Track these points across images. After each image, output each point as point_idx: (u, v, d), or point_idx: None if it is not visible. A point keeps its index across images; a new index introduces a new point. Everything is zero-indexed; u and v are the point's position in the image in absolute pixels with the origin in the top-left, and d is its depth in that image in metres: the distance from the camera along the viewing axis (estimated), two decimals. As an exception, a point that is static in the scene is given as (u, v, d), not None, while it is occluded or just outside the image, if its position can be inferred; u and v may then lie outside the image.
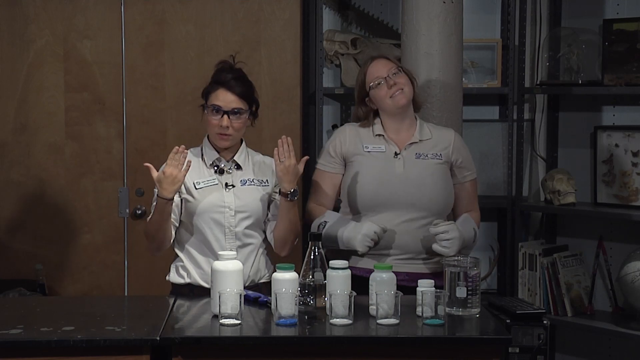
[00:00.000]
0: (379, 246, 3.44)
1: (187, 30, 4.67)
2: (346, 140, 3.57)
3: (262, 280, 3.51)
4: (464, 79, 4.28)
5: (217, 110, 3.40)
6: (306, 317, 3.00)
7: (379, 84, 3.50)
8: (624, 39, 4.38)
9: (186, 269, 3.48)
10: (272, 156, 3.45)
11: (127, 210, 4.68)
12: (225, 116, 3.40)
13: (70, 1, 4.64)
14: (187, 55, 4.64)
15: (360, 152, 3.54)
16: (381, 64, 3.53)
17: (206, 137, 3.52)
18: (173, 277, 3.52)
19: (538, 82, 4.75)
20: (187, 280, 3.48)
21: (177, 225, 3.47)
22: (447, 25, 3.92)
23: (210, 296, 3.14)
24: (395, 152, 3.52)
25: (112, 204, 4.70)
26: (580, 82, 4.56)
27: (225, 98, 3.41)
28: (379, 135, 3.55)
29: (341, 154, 3.57)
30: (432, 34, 3.92)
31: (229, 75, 3.43)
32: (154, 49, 4.67)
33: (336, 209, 3.64)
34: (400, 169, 3.49)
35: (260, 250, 3.52)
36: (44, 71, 4.66)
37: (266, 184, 3.52)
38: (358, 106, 3.60)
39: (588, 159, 4.67)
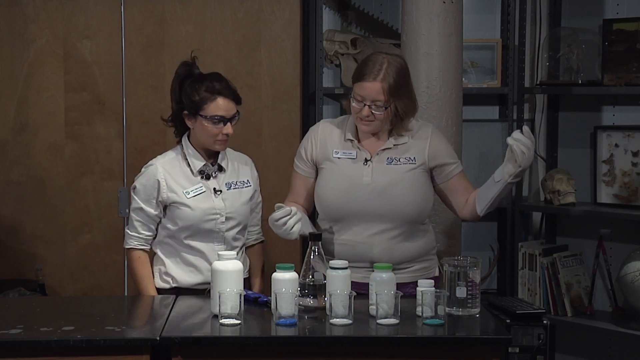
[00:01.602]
0: (351, 259, 3.26)
1: (187, 30, 4.66)
2: (317, 143, 3.44)
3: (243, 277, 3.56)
4: (464, 79, 4.28)
5: (220, 119, 3.41)
6: (306, 317, 3.00)
7: (359, 100, 3.30)
8: (624, 39, 4.38)
9: (170, 275, 3.50)
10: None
11: (127, 210, 4.66)
12: (229, 123, 3.43)
13: (70, 1, 4.64)
14: (187, 55, 4.54)
15: (329, 157, 3.41)
16: (373, 90, 3.26)
17: (188, 143, 3.50)
18: (157, 282, 3.53)
19: (538, 82, 4.75)
20: (173, 284, 3.50)
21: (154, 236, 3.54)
22: (447, 25, 3.92)
23: (205, 295, 3.17)
24: (366, 159, 3.38)
25: (112, 203, 4.70)
26: (580, 82, 4.56)
27: (226, 106, 3.43)
28: (350, 140, 3.41)
29: (312, 158, 3.45)
30: (432, 34, 3.92)
31: (218, 83, 3.44)
32: (154, 49, 4.67)
33: (313, 210, 3.57)
34: (368, 178, 3.35)
35: (243, 249, 3.60)
36: (44, 71, 4.66)
37: (248, 184, 3.58)
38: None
39: (588, 159, 4.67)
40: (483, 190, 3.34)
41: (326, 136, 3.45)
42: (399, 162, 3.37)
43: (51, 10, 4.64)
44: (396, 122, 3.35)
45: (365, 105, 3.29)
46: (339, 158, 3.40)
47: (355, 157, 3.39)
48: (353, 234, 3.36)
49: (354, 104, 3.32)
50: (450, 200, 3.46)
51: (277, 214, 3.24)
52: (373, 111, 3.29)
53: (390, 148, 3.38)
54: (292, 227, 3.24)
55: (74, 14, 4.65)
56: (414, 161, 3.38)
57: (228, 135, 3.44)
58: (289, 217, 3.24)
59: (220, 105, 3.42)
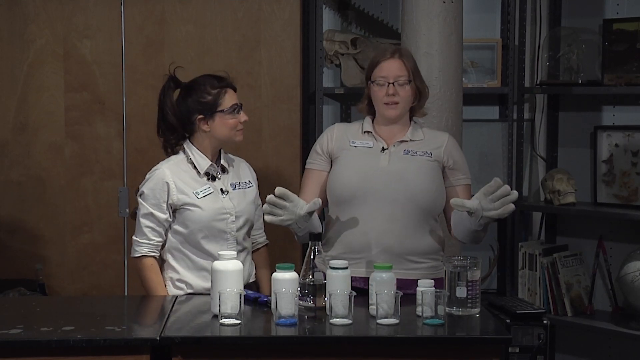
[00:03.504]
0: (357, 247, 3.32)
1: (187, 30, 4.66)
2: (333, 137, 3.49)
3: (251, 280, 3.59)
4: (464, 79, 4.28)
5: (238, 107, 3.50)
6: (306, 317, 3.00)
7: (381, 84, 3.38)
8: (624, 38, 4.38)
9: (183, 281, 3.49)
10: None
11: (127, 210, 4.67)
12: (241, 111, 3.53)
13: (70, 1, 4.64)
14: (187, 55, 4.63)
15: (346, 147, 3.45)
16: (394, 66, 3.38)
17: (192, 146, 3.52)
18: (171, 290, 3.50)
19: (538, 82, 4.76)
20: (188, 290, 3.48)
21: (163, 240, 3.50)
22: (447, 24, 3.92)
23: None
24: (383, 147, 3.42)
25: (112, 203, 4.70)
26: (580, 82, 4.56)
27: (235, 95, 3.53)
28: (368, 132, 3.46)
29: (328, 151, 3.48)
30: (432, 33, 3.92)
31: (215, 79, 3.51)
32: (154, 49, 4.66)
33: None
34: (385, 162, 3.39)
35: (250, 251, 3.60)
36: (44, 71, 4.66)
37: (250, 184, 3.61)
38: (366, 85, 3.49)
39: (588, 159, 4.67)
40: (457, 220, 3.35)
41: (342, 132, 3.51)
42: (415, 154, 3.42)
43: (51, 10, 4.64)
44: (416, 103, 3.44)
45: (389, 84, 3.36)
46: (355, 147, 3.45)
47: (372, 146, 3.44)
48: (364, 220, 3.35)
49: (375, 89, 3.39)
50: (446, 209, 3.46)
51: (274, 200, 3.18)
52: (397, 89, 3.36)
53: (407, 141, 3.43)
54: (278, 217, 3.19)
55: (74, 14, 4.65)
56: (430, 155, 3.42)
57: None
58: (284, 213, 3.20)
59: (232, 94, 3.51)
